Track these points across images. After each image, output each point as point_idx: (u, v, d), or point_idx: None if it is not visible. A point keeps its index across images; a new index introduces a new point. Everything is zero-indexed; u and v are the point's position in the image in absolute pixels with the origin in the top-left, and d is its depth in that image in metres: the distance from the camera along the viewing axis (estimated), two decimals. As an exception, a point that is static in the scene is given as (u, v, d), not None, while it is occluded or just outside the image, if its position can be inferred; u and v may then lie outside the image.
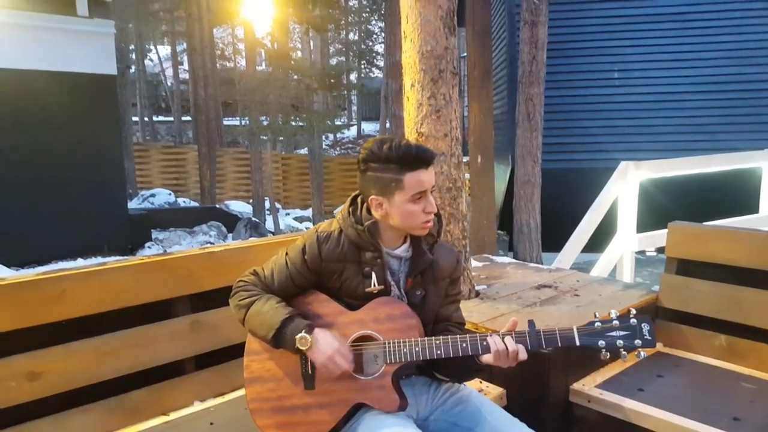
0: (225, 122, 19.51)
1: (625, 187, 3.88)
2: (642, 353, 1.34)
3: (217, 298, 1.89)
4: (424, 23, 2.07)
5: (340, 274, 1.50)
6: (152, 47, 23.62)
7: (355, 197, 1.56)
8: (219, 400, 1.90)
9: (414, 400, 1.55)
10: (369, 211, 1.49)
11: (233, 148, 16.93)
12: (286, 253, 1.55)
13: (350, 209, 1.53)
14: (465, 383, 1.61)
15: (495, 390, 1.90)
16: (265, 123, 10.71)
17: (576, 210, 4.01)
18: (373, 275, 1.48)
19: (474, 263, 2.96)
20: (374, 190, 1.45)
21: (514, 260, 3.11)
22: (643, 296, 2.31)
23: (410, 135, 2.22)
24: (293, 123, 11.28)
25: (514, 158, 6.77)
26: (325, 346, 1.40)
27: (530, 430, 1.46)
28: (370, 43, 26.19)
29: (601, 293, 2.36)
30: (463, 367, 1.50)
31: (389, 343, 1.44)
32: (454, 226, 2.33)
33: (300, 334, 1.40)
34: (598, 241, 4.02)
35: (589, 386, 1.90)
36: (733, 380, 1.93)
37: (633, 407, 1.76)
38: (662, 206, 5.17)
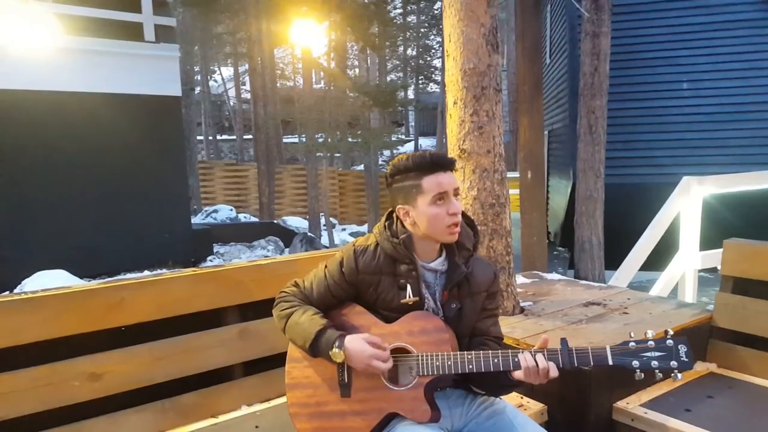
0: (285, 140, 20.13)
1: (687, 203, 3.73)
2: (678, 375, 1.30)
3: (265, 308, 1.95)
4: (466, 41, 2.10)
5: (376, 287, 1.54)
6: (216, 68, 24.77)
7: (391, 212, 1.61)
8: (265, 405, 1.98)
9: (448, 411, 1.56)
10: (404, 226, 1.54)
11: (292, 165, 17.41)
12: (326, 266, 1.61)
13: (386, 224, 1.59)
14: (501, 397, 1.61)
15: (536, 406, 1.88)
16: (320, 140, 10.98)
17: (641, 227, 3.89)
18: (408, 287, 1.52)
19: (522, 280, 2.93)
20: (400, 199, 1.51)
21: (565, 277, 3.05)
22: (695, 315, 2.22)
23: (453, 152, 2.25)
24: (350, 140, 11.50)
25: (576, 173, 6.60)
26: (360, 354, 1.44)
27: None
28: (428, 58, 26.33)
29: (652, 312, 2.29)
30: (498, 383, 1.50)
31: (422, 356, 1.47)
32: (498, 242, 2.32)
33: (333, 350, 1.45)
34: (661, 259, 3.87)
35: (633, 405, 1.85)
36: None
37: (678, 427, 1.70)
38: (729, 223, 4.90)
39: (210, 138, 22.75)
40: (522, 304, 2.44)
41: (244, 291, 2.02)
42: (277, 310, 1.61)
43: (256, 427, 1.84)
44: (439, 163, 1.47)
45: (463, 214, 1.66)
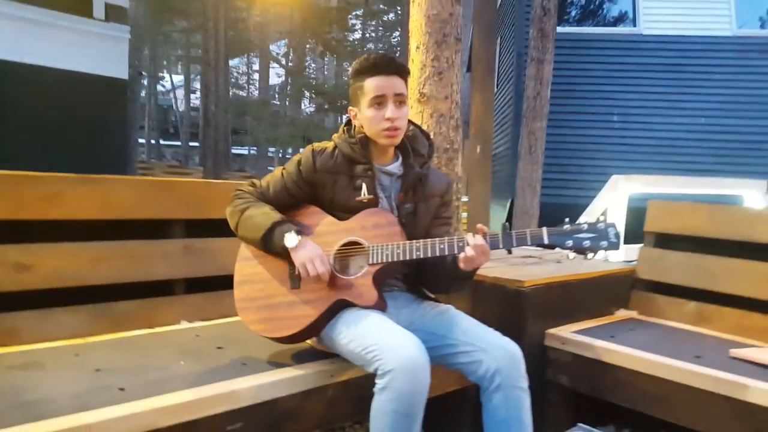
0: (234, 150, 19.81)
1: (615, 198, 4.00)
2: (607, 256, 1.42)
3: (213, 227, 1.95)
4: (431, -12, 2.23)
5: (333, 186, 1.58)
6: (165, 74, 24.29)
7: (350, 121, 1.67)
8: (207, 323, 1.94)
9: (396, 311, 1.60)
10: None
11: (241, 173, 17.11)
12: (283, 168, 1.65)
13: (345, 128, 1.65)
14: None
15: (473, 330, 1.95)
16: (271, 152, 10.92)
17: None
18: (364, 186, 1.57)
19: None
20: (352, 101, 1.58)
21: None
22: (621, 267, 2.39)
23: (413, 96, 2.34)
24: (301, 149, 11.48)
25: (515, 190, 6.96)
26: (309, 249, 1.48)
27: (497, 333, 1.52)
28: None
29: (582, 263, 2.43)
30: (448, 275, 1.56)
31: (373, 246, 1.52)
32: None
33: (288, 233, 1.48)
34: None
35: (564, 332, 1.96)
36: (698, 337, 2.02)
37: (603, 346, 1.83)
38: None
39: (153, 142, 22.09)
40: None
41: (193, 207, 2.00)
42: (232, 206, 1.61)
43: (197, 336, 1.80)
44: (379, 65, 1.52)
45: (418, 126, 1.74)
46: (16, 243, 1.65)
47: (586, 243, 1.39)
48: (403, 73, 1.56)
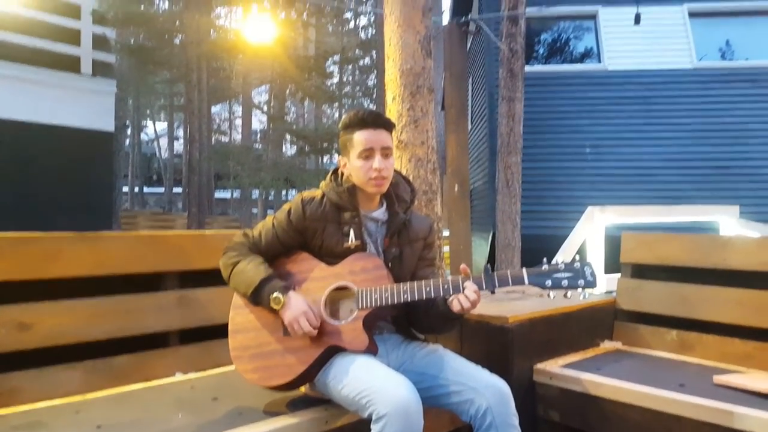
0: (216, 194, 19.90)
1: (591, 229, 4.11)
2: (585, 293, 1.50)
3: (205, 277, 2.00)
4: (404, 45, 2.38)
5: (322, 233, 1.66)
6: (147, 123, 24.49)
7: (336, 169, 1.77)
8: (201, 374, 1.97)
9: (385, 353, 1.66)
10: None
11: (223, 216, 17.15)
12: (274, 217, 1.73)
13: (332, 176, 1.74)
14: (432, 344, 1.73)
15: (462, 368, 2.00)
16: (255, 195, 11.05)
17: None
18: (351, 233, 1.65)
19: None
20: (341, 152, 1.68)
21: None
22: (602, 299, 2.47)
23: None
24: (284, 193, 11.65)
25: (495, 224, 7.11)
26: (295, 307, 1.54)
27: (486, 371, 1.58)
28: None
29: (564, 296, 2.51)
30: (440, 317, 1.63)
31: (362, 290, 1.58)
32: (429, 229, 2.52)
33: (274, 294, 1.54)
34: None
35: (551, 366, 2.02)
36: (681, 366, 2.08)
37: (590, 379, 1.89)
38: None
39: (136, 190, 22.08)
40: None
41: (185, 258, 2.04)
42: (224, 259, 1.68)
43: (192, 387, 1.83)
44: (367, 120, 1.63)
45: (400, 174, 1.84)
46: (17, 303, 1.69)
47: (565, 282, 1.48)
48: (389, 127, 1.67)
